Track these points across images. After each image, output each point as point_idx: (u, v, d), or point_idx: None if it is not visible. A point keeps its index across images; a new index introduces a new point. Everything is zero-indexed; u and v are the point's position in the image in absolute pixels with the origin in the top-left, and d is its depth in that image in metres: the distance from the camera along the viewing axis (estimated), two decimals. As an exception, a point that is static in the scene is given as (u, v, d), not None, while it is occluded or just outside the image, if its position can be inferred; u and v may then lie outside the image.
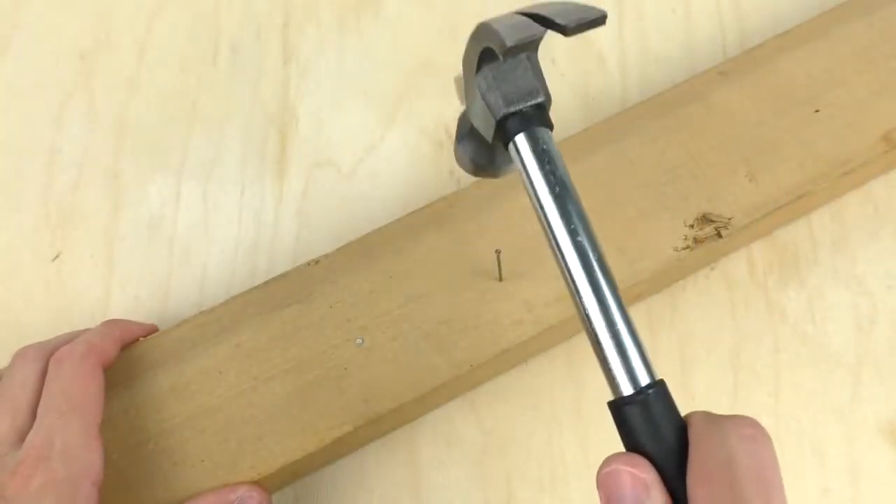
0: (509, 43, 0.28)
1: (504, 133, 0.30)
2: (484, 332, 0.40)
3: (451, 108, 0.50)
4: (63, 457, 0.34)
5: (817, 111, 0.45)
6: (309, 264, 0.43)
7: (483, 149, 0.32)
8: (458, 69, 0.54)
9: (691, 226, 0.42)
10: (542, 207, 0.28)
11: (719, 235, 0.42)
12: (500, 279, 0.41)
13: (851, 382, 0.43)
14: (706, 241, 0.42)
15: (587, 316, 0.27)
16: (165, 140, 0.50)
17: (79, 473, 0.34)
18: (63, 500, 0.33)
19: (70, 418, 0.35)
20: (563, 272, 0.28)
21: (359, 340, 0.40)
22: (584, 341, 0.44)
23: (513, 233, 0.42)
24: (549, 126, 0.29)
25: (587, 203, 0.41)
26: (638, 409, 0.26)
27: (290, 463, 0.38)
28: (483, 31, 0.30)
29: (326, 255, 0.43)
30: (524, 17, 0.29)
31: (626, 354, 0.27)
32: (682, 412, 0.27)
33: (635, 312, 0.45)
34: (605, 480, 0.26)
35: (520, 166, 0.29)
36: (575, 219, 0.28)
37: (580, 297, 0.27)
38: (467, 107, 0.33)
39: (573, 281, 0.28)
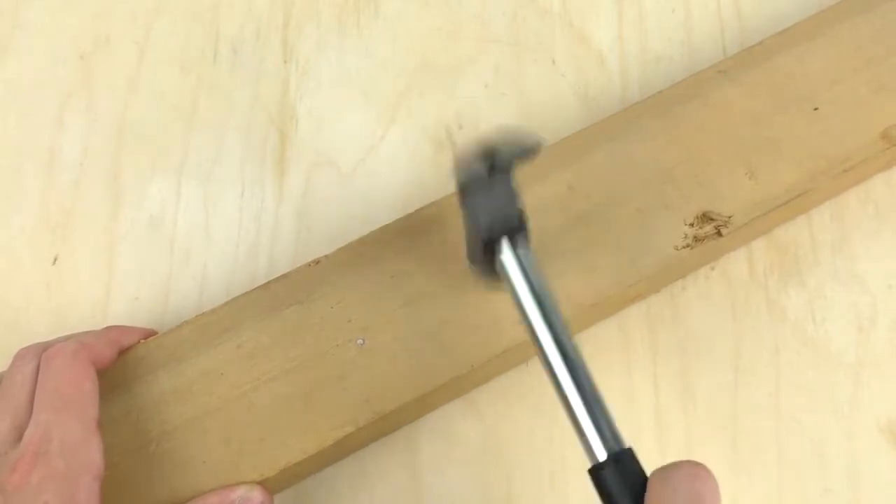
0: (458, 185, 0.34)
1: (490, 250, 0.35)
2: (484, 332, 0.40)
3: (451, 108, 0.50)
4: (62, 451, 0.34)
5: (817, 109, 0.45)
6: (309, 264, 0.43)
7: (487, 265, 0.36)
8: (458, 68, 0.54)
9: (691, 224, 0.42)
10: (523, 310, 0.33)
11: (720, 234, 0.42)
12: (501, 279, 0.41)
13: (851, 382, 0.43)
14: (706, 240, 0.42)
15: (566, 399, 0.32)
16: (165, 140, 0.50)
17: (79, 467, 0.34)
18: (64, 493, 0.33)
19: (65, 414, 0.35)
20: (544, 363, 0.33)
21: (360, 341, 0.41)
22: (584, 341, 0.44)
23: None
24: (527, 240, 0.35)
25: (588, 203, 0.42)
26: (611, 473, 0.30)
27: (292, 464, 0.38)
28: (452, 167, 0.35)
29: (327, 256, 0.43)
30: (476, 154, 0.34)
31: (601, 428, 0.31)
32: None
33: (635, 312, 0.45)
34: None
35: (507, 277, 0.34)
36: (552, 318, 0.33)
37: (561, 387, 0.32)
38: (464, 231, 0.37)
39: (554, 373, 0.32)
